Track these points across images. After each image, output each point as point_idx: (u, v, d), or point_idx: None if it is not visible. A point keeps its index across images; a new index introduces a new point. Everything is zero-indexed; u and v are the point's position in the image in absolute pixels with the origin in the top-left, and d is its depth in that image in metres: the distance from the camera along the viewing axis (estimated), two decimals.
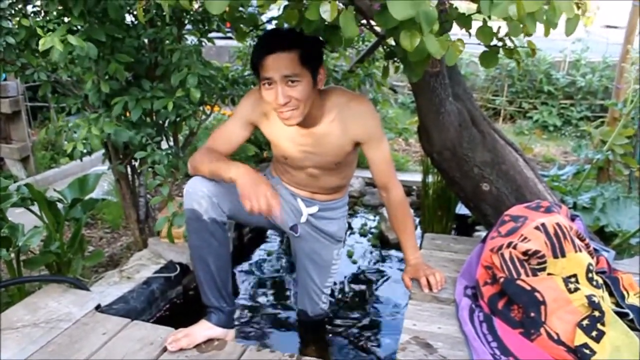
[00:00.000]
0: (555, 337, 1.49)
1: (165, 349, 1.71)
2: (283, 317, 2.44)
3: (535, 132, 5.77)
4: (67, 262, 2.27)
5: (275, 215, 1.66)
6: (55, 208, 2.26)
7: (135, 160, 2.49)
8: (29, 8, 2.17)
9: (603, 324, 1.48)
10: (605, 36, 6.54)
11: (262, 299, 2.59)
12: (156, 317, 2.33)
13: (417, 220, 3.41)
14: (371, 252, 3.14)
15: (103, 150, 2.50)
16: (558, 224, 1.71)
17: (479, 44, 1.47)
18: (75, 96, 2.35)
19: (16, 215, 2.37)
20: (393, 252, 3.11)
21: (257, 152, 2.94)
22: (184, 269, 2.52)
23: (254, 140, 3.60)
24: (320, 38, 1.78)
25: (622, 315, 1.57)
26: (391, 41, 2.08)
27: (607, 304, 1.58)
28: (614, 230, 2.63)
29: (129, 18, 2.28)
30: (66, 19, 2.03)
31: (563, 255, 1.66)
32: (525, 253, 1.66)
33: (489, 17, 1.26)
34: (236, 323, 2.05)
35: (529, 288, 1.59)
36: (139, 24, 2.25)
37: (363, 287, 2.74)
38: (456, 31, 1.48)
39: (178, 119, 2.39)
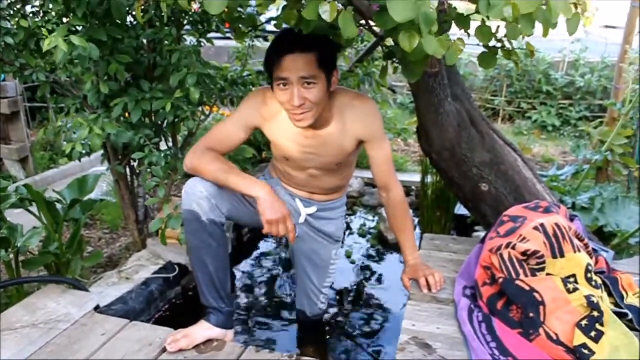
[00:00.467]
0: (554, 338, 1.49)
1: (164, 350, 1.70)
2: (282, 317, 2.44)
3: (534, 132, 5.77)
4: (66, 262, 2.27)
5: (290, 241, 1.73)
6: (55, 209, 2.26)
7: (135, 161, 2.49)
8: (28, 9, 2.17)
9: (602, 324, 1.48)
10: (604, 36, 6.54)
11: (261, 300, 2.59)
12: (155, 318, 2.33)
13: (416, 220, 3.41)
14: (370, 253, 3.14)
15: (102, 151, 2.50)
16: (557, 225, 1.71)
17: (478, 44, 1.47)
18: (74, 97, 2.35)
19: (15, 216, 2.37)
20: (392, 253, 3.11)
21: (255, 154, 2.94)
22: (183, 270, 2.52)
23: (253, 141, 3.61)
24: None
25: (621, 316, 1.57)
26: (390, 42, 2.08)
27: (606, 305, 1.58)
28: (612, 230, 2.63)
29: (128, 18, 2.28)
30: (65, 20, 2.02)
31: (562, 256, 1.66)
32: (524, 253, 1.66)
33: (488, 18, 1.26)
34: (235, 323, 2.05)
35: (528, 288, 1.59)
36: (138, 24, 2.25)
37: (362, 287, 2.74)
38: (455, 31, 1.48)
39: (177, 120, 2.39)
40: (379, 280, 2.81)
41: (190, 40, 2.51)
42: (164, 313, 2.39)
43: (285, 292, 2.66)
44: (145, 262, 2.51)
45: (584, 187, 3.13)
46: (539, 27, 1.32)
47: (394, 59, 2.09)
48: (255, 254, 3.08)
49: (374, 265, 2.98)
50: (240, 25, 2.10)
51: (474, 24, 1.43)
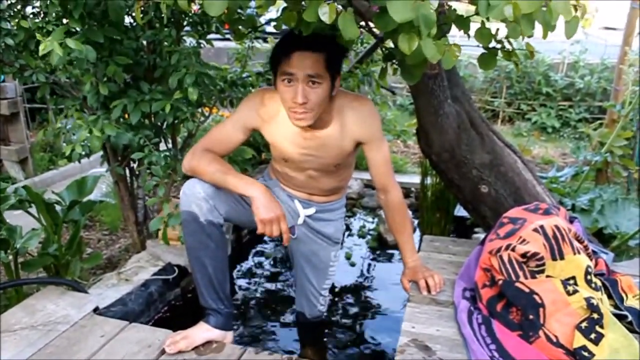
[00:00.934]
0: (554, 340, 1.49)
1: (163, 352, 1.70)
2: (282, 319, 2.44)
3: (533, 133, 5.78)
4: (65, 264, 2.27)
5: (284, 242, 1.73)
6: (54, 210, 2.25)
7: (134, 162, 2.49)
8: (28, 9, 2.16)
9: (602, 327, 1.47)
10: (604, 38, 6.55)
11: (260, 301, 2.59)
12: (154, 320, 2.32)
13: (416, 222, 3.41)
14: (369, 254, 3.14)
15: (101, 152, 2.50)
16: (557, 226, 1.71)
17: (477, 45, 1.47)
18: (73, 98, 2.35)
19: (14, 217, 2.37)
20: (391, 254, 3.11)
21: (254, 155, 2.94)
22: (183, 271, 2.51)
23: (252, 142, 3.60)
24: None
25: (620, 318, 1.57)
26: (389, 43, 2.08)
27: (605, 307, 1.58)
28: (612, 232, 2.63)
29: (127, 20, 2.28)
30: (65, 21, 2.02)
31: (562, 258, 1.66)
32: (523, 255, 1.66)
33: (487, 19, 1.26)
34: (234, 325, 2.04)
35: (527, 290, 1.59)
36: (138, 25, 2.25)
37: (361, 289, 2.74)
38: (455, 32, 1.48)
39: (176, 121, 2.39)
40: (379, 282, 2.81)
41: (189, 41, 2.51)
42: (163, 314, 2.38)
43: (284, 293, 2.66)
44: (144, 264, 2.51)
45: (583, 189, 3.13)
46: (538, 28, 1.32)
47: (394, 61, 2.09)
48: (255, 255, 3.07)
49: (374, 267, 2.98)
50: (240, 27, 2.10)
51: (474, 25, 1.43)
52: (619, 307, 1.66)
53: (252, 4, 2.03)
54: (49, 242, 2.25)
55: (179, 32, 2.38)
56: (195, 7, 2.38)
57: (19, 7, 2.12)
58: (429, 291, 1.87)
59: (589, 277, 1.65)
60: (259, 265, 2.96)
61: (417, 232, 3.28)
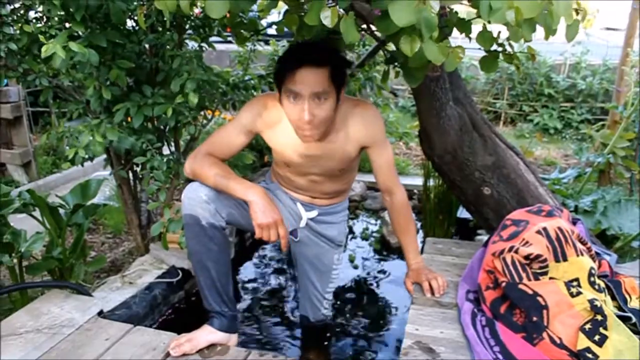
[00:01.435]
0: (558, 342, 1.49)
1: (168, 354, 1.71)
2: (285, 321, 2.44)
3: (536, 135, 5.77)
4: (69, 267, 2.27)
5: (282, 247, 1.73)
6: (57, 213, 2.26)
7: (137, 165, 2.49)
8: (31, 14, 2.17)
9: (605, 328, 1.47)
10: (605, 39, 6.55)
11: (264, 304, 2.59)
12: (159, 323, 2.33)
13: (419, 224, 3.41)
14: (373, 257, 3.14)
15: (105, 156, 2.51)
16: (560, 228, 1.71)
17: (479, 48, 1.47)
18: (76, 102, 2.36)
19: (18, 220, 2.37)
20: (395, 256, 3.11)
21: (254, 160, 2.94)
22: (186, 274, 2.52)
23: (255, 145, 3.61)
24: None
25: (624, 319, 1.57)
26: (391, 46, 2.08)
27: (609, 308, 1.58)
28: (615, 233, 2.63)
29: (130, 23, 2.29)
30: (68, 25, 2.03)
31: (565, 259, 1.66)
32: (527, 257, 1.66)
33: (489, 22, 1.26)
34: (239, 328, 2.05)
35: (531, 292, 1.59)
36: (140, 29, 2.26)
37: (365, 291, 2.74)
38: (457, 34, 1.49)
39: (178, 125, 2.39)
40: (382, 284, 2.81)
41: (191, 44, 2.52)
42: (167, 317, 2.39)
43: (288, 296, 2.66)
44: (148, 267, 2.52)
45: (586, 190, 3.13)
46: (540, 30, 1.32)
47: (396, 63, 2.09)
48: (258, 258, 3.08)
49: (377, 269, 2.98)
50: (242, 30, 2.11)
51: (475, 28, 1.44)
52: (623, 308, 1.66)
53: (254, 7, 2.04)
54: (53, 245, 2.25)
55: (181, 36, 2.38)
56: (197, 11, 2.39)
57: (22, 12, 2.13)
58: (432, 293, 1.87)
59: (592, 278, 1.65)
60: (263, 268, 2.97)
61: (420, 234, 3.28)
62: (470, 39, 1.48)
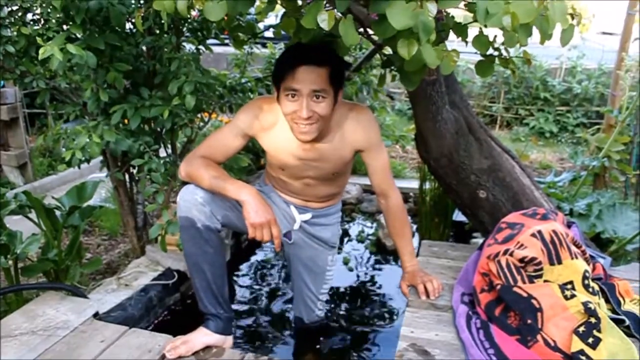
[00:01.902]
0: (552, 344, 1.49)
1: (163, 357, 1.71)
2: (280, 324, 2.44)
3: (531, 138, 5.79)
4: (65, 269, 2.27)
5: (276, 247, 1.74)
6: (53, 215, 2.26)
7: (133, 167, 2.49)
8: (29, 16, 2.18)
9: (599, 331, 1.48)
10: (601, 43, 6.58)
11: (259, 306, 2.59)
12: (154, 325, 2.33)
13: (414, 227, 3.41)
14: (368, 259, 3.14)
15: (101, 158, 2.51)
16: (554, 231, 1.72)
17: (475, 52, 1.48)
18: (73, 104, 2.36)
19: (14, 222, 2.37)
20: (390, 259, 3.11)
21: (249, 163, 2.94)
22: (182, 276, 2.52)
23: (251, 148, 3.61)
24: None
25: (618, 322, 1.58)
26: (388, 50, 2.09)
27: (603, 311, 1.59)
28: (610, 236, 2.64)
29: (127, 26, 2.29)
30: (66, 27, 2.03)
31: (559, 262, 1.67)
32: (521, 260, 1.67)
33: (485, 26, 1.27)
34: (234, 330, 2.05)
35: (525, 295, 1.60)
36: (138, 32, 2.26)
37: (360, 294, 2.74)
38: (453, 38, 1.50)
39: (175, 127, 2.39)
40: (377, 287, 2.81)
41: (189, 47, 2.52)
42: (163, 319, 2.39)
43: (283, 298, 2.66)
44: (144, 269, 2.52)
45: (581, 194, 3.14)
46: (536, 35, 1.33)
47: (392, 67, 2.10)
48: (254, 260, 3.08)
49: (372, 272, 2.99)
50: (239, 33, 2.11)
51: (472, 31, 1.45)
52: (617, 311, 1.67)
53: (252, 10, 2.05)
54: (49, 247, 2.25)
55: (178, 38, 2.39)
56: (194, 13, 2.39)
57: (19, 14, 2.13)
58: (427, 296, 1.88)
59: (586, 281, 1.66)
60: (258, 270, 2.97)
61: (416, 237, 3.28)
62: (466, 42, 1.49)
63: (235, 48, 2.30)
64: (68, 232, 2.59)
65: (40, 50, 1.78)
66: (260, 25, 2.42)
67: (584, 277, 1.66)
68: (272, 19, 2.54)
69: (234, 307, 2.53)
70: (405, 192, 3.71)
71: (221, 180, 1.74)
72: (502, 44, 1.46)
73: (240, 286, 2.78)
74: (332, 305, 2.57)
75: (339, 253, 2.20)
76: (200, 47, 2.49)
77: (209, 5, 1.30)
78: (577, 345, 1.46)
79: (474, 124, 2.22)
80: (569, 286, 1.63)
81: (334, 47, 1.80)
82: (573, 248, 1.73)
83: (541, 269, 1.66)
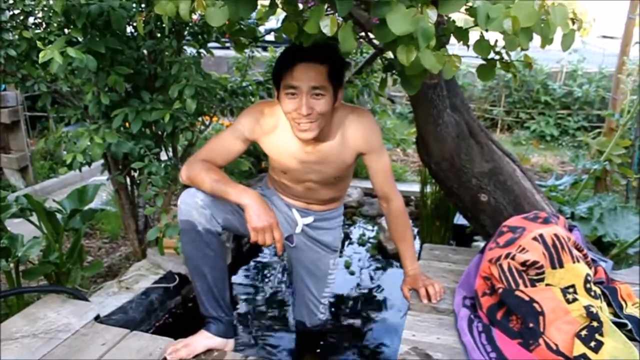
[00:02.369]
0: (554, 348, 1.49)
1: None
2: (282, 327, 2.44)
3: (532, 142, 5.79)
4: (66, 272, 2.27)
5: (278, 251, 1.74)
6: (55, 218, 2.26)
7: (135, 171, 2.49)
8: (30, 20, 2.18)
9: (601, 335, 1.48)
10: (602, 47, 6.58)
11: (261, 309, 2.59)
12: (155, 328, 2.33)
13: (416, 230, 3.41)
14: (370, 263, 3.14)
15: (102, 161, 2.51)
16: (556, 235, 1.72)
17: (476, 56, 1.48)
18: (75, 107, 2.36)
19: (15, 225, 2.37)
20: (391, 262, 3.11)
21: (250, 167, 2.94)
22: (183, 280, 2.52)
23: (252, 151, 3.60)
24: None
25: (620, 326, 1.58)
26: (389, 54, 2.10)
27: (605, 315, 1.59)
28: (611, 240, 2.64)
29: (128, 29, 2.29)
30: (67, 31, 2.04)
31: (561, 266, 1.67)
32: (523, 264, 1.67)
33: (486, 31, 1.27)
34: (235, 333, 2.05)
35: (527, 299, 1.60)
36: (139, 35, 2.26)
37: (362, 297, 2.74)
38: (454, 42, 1.50)
39: (176, 131, 2.40)
40: (379, 290, 2.81)
41: (190, 51, 2.53)
42: (164, 323, 2.39)
43: (285, 302, 2.66)
44: (145, 272, 2.51)
45: (582, 197, 3.14)
46: (536, 39, 1.33)
47: (393, 71, 2.10)
48: (255, 263, 3.07)
49: (374, 275, 2.98)
50: (240, 37, 2.11)
51: (473, 35, 1.45)
52: (619, 315, 1.67)
53: (253, 14, 2.05)
54: (50, 250, 2.25)
55: (179, 42, 2.39)
56: (195, 17, 2.39)
57: (21, 18, 2.14)
58: (429, 299, 1.88)
59: (588, 285, 1.66)
60: (260, 273, 2.97)
61: (417, 241, 3.28)
62: (467, 46, 1.49)
63: (237, 52, 2.30)
64: (69, 235, 2.59)
65: (41, 54, 1.79)
66: (262, 29, 2.43)
67: (586, 281, 1.66)
68: (273, 22, 2.55)
69: (236, 310, 2.53)
70: (406, 195, 3.71)
71: (222, 184, 1.74)
72: (503, 47, 1.46)
73: (242, 289, 2.78)
74: (334, 309, 2.57)
75: (340, 257, 2.20)
76: (201, 50, 2.50)
77: (211, 11, 1.30)
78: (579, 349, 1.46)
79: (475, 128, 2.22)
80: (571, 290, 1.63)
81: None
82: (575, 252, 1.73)
83: (543, 273, 1.66)
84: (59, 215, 2.29)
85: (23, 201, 2.24)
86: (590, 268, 1.78)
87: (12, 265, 2.16)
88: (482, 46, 1.39)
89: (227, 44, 2.63)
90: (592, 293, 1.65)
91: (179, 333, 1.85)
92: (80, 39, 2.01)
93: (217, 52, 2.92)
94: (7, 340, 1.80)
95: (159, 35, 2.36)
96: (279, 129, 1.81)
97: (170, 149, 2.57)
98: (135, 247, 2.71)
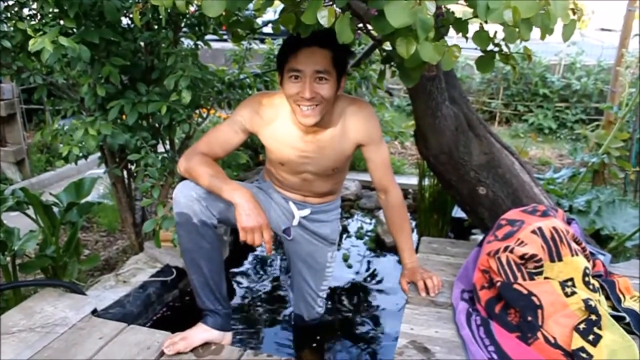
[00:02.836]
0: (552, 341, 1.49)
1: (162, 353, 1.70)
2: (280, 321, 2.44)
3: (530, 135, 5.79)
4: (63, 266, 2.26)
5: (267, 252, 1.74)
6: (51, 212, 2.25)
7: (132, 163, 2.49)
8: (25, 11, 2.16)
9: (600, 328, 1.48)
10: (600, 39, 6.57)
11: (259, 303, 2.59)
12: (153, 321, 2.33)
13: (414, 223, 3.41)
14: (367, 256, 3.14)
15: (99, 154, 2.50)
16: (554, 228, 1.71)
17: (475, 48, 1.47)
18: (70, 99, 2.34)
19: (11, 218, 2.36)
20: (389, 256, 3.11)
21: (248, 160, 2.94)
22: (180, 273, 2.51)
23: (249, 143, 3.60)
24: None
25: (618, 319, 1.58)
26: (388, 45, 2.08)
27: (603, 308, 1.59)
28: (609, 233, 2.64)
29: (125, 21, 2.28)
30: (61, 22, 2.02)
31: (560, 259, 1.67)
32: (522, 257, 1.66)
33: (486, 22, 1.26)
34: (233, 327, 2.04)
35: (525, 292, 1.59)
36: (136, 27, 2.25)
37: (359, 290, 2.74)
38: (453, 34, 1.49)
39: (173, 123, 2.39)
40: (377, 283, 2.81)
41: (187, 42, 2.51)
42: (161, 316, 2.39)
43: (282, 295, 2.66)
44: (142, 265, 2.51)
45: (580, 190, 3.14)
46: (535, 31, 1.32)
47: (392, 63, 2.09)
48: (253, 257, 3.07)
49: (372, 268, 2.98)
50: (238, 29, 2.10)
51: (472, 27, 1.44)
52: (617, 308, 1.67)
53: (250, 5, 2.04)
54: (47, 243, 2.24)
55: (176, 34, 2.38)
56: (192, 9, 2.38)
57: (16, 9, 2.12)
58: (427, 293, 1.87)
59: (586, 278, 1.65)
60: (257, 267, 2.96)
61: (415, 234, 3.28)
62: (466, 38, 1.48)
63: (234, 44, 2.29)
64: (66, 229, 2.58)
65: (30, 42, 1.77)
66: (259, 20, 2.41)
67: (585, 274, 1.65)
68: (271, 14, 2.54)
69: (233, 303, 2.52)
70: (404, 188, 3.68)
71: (218, 180, 1.73)
72: (503, 39, 1.45)
73: (239, 282, 2.77)
74: (332, 302, 2.57)
75: (338, 249, 2.19)
76: (199, 42, 2.48)
77: (208, 2, 1.29)
78: (577, 342, 1.46)
79: (474, 120, 2.21)
80: (570, 283, 1.63)
81: None
82: (573, 245, 1.72)
83: (541, 266, 1.66)
84: (55, 209, 2.28)
85: (19, 194, 2.23)
86: (589, 261, 1.77)
87: (8, 258, 2.15)
88: (482, 37, 1.38)
89: (225, 36, 2.61)
90: (591, 286, 1.65)
91: (177, 326, 1.84)
92: (75, 30, 2.00)
93: (214, 45, 2.90)
94: (3, 335, 1.80)
95: (155, 27, 2.35)
96: (278, 120, 1.80)
97: (167, 141, 2.56)
98: (132, 240, 2.71)
